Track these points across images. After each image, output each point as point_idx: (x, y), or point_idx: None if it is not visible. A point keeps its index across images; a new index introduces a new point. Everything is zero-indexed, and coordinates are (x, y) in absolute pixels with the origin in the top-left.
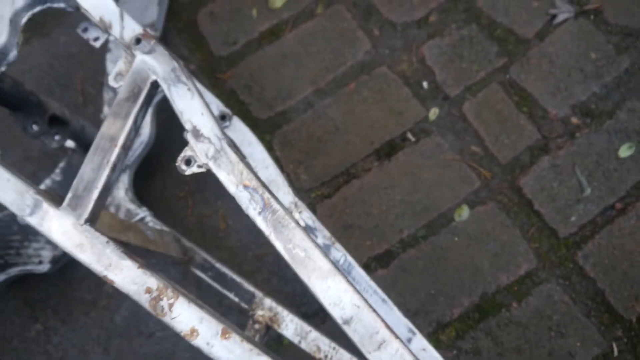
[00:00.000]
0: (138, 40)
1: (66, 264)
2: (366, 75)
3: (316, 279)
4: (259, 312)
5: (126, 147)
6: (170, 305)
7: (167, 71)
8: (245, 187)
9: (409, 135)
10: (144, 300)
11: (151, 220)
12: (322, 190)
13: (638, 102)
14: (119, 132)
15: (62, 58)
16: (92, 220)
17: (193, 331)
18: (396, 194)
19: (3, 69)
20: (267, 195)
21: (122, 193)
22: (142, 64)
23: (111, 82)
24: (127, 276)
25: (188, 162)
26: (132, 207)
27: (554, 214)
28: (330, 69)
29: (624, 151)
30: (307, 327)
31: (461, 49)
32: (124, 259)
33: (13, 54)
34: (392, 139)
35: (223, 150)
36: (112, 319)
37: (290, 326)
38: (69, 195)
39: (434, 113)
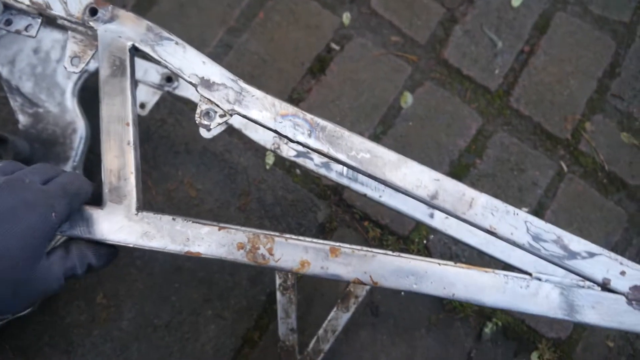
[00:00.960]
0: (93, 11)
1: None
2: (271, 0)
3: (390, 171)
4: None
5: (136, 124)
6: (270, 250)
7: (142, 33)
8: (284, 116)
9: (333, 45)
10: (239, 256)
11: None
12: None
13: None
14: (123, 110)
15: None
16: (142, 207)
17: (303, 263)
18: (344, 103)
19: None
20: (309, 116)
21: None
22: (109, 34)
23: (69, 67)
24: (212, 241)
25: (207, 115)
26: None
27: (481, 73)
28: (233, 5)
29: (516, 0)
30: (335, 244)
31: None
32: (200, 228)
33: None
34: (319, 54)
35: (244, 90)
36: (119, 327)
37: None
38: (105, 190)
39: (346, 17)
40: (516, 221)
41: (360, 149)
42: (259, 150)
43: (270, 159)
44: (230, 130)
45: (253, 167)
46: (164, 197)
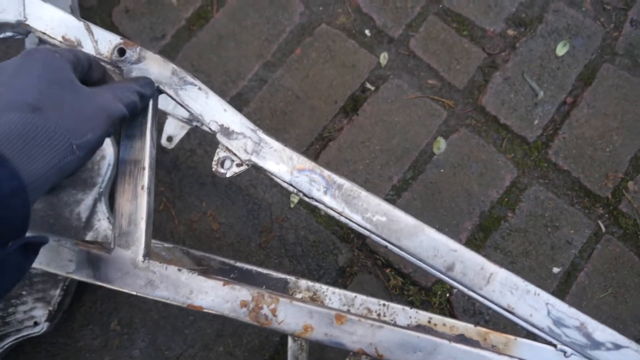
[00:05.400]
0: (122, 52)
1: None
2: (309, 37)
3: (406, 238)
4: (298, 296)
5: (152, 167)
6: (274, 311)
7: (167, 76)
8: (301, 170)
9: (368, 85)
10: (242, 315)
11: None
12: None
13: (560, 2)
14: (141, 154)
15: None
16: (149, 254)
17: (307, 328)
18: (374, 144)
19: None
20: (326, 172)
21: (105, 224)
22: (135, 75)
23: None
24: (216, 297)
25: (224, 163)
26: None
27: (519, 123)
28: (271, 39)
29: (560, 49)
30: (350, 294)
31: None
32: (204, 281)
33: None
34: (353, 93)
35: (263, 141)
36: (131, 355)
37: (334, 298)
38: (114, 234)
39: (384, 58)
40: (536, 302)
41: (377, 211)
42: (285, 187)
43: (295, 198)
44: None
45: (277, 204)
46: (185, 228)
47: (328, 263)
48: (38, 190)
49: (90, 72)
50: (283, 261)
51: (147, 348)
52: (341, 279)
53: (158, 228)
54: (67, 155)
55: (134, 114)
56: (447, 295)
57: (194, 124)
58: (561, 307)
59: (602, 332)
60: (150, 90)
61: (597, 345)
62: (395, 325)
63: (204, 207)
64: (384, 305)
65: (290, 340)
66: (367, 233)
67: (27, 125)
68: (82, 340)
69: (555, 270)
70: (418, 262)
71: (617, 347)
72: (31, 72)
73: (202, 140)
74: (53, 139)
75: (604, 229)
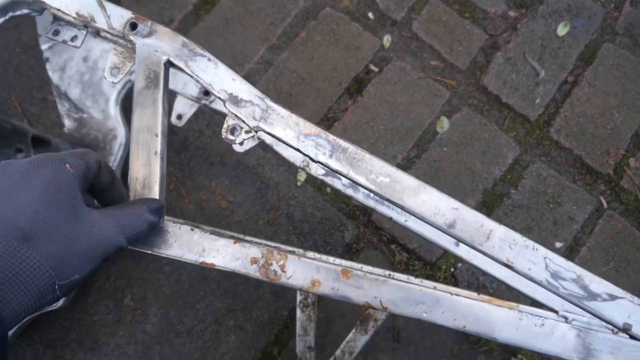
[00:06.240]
0: (134, 26)
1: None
2: (313, 20)
3: (409, 197)
4: None
5: (165, 135)
6: (282, 267)
7: (177, 48)
8: (307, 135)
9: (372, 67)
10: (252, 271)
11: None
12: None
13: None
14: (154, 121)
15: None
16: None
17: (314, 282)
18: (378, 124)
19: None
20: (331, 137)
21: None
22: (147, 49)
23: (109, 77)
24: (227, 254)
25: (233, 131)
26: None
27: (521, 102)
28: (276, 23)
29: (561, 30)
30: (356, 265)
31: None
32: (216, 240)
33: None
34: (357, 75)
35: (270, 108)
36: (144, 329)
37: None
38: (130, 198)
39: (387, 40)
40: (535, 256)
41: (380, 173)
42: (292, 166)
43: (301, 176)
44: (264, 146)
45: (284, 182)
46: (195, 207)
47: (335, 239)
48: (11, 327)
49: (99, 176)
50: (290, 238)
51: (159, 322)
52: (347, 254)
53: (169, 207)
54: (47, 294)
55: (135, 242)
56: (452, 269)
57: (203, 102)
58: (558, 261)
59: (598, 284)
60: (160, 216)
61: (593, 296)
62: (399, 279)
63: (213, 186)
64: (389, 275)
65: (298, 311)
66: (371, 204)
67: (12, 256)
68: (96, 315)
69: (558, 245)
70: (420, 221)
71: (613, 297)
72: (32, 187)
73: (210, 121)
74: (37, 276)
75: (605, 205)
